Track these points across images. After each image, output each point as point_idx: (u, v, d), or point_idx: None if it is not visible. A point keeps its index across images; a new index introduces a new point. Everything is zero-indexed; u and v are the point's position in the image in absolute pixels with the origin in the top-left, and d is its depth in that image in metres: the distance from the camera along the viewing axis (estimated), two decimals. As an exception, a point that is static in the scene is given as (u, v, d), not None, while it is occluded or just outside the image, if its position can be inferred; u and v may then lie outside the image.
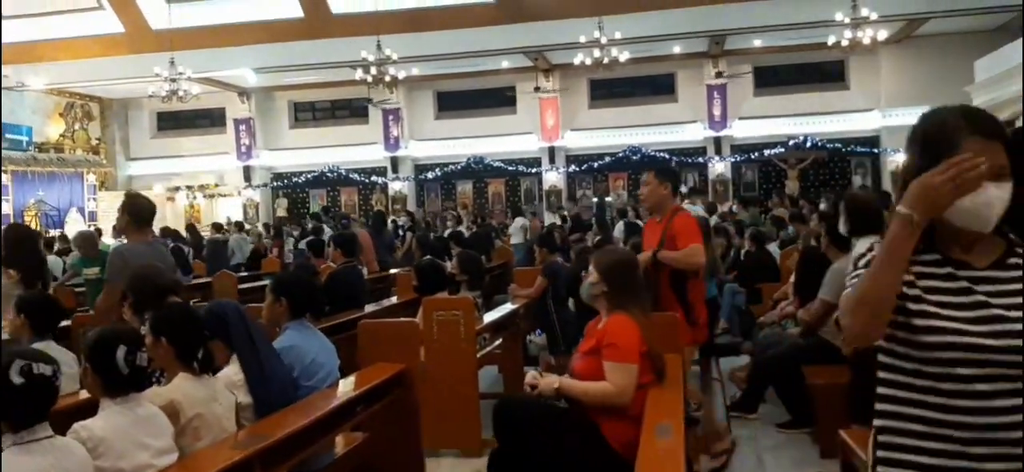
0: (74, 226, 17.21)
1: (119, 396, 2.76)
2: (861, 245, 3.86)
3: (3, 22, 18.14)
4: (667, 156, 19.49)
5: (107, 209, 20.54)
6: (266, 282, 8.94)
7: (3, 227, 5.96)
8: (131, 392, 2.78)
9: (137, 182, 22.73)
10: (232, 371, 3.44)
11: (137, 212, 5.38)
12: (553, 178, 20.66)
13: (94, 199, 20.70)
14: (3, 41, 17.41)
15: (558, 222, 15.09)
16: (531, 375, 3.85)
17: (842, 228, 4.82)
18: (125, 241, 5.69)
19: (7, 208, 18.79)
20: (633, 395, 3.51)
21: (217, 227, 16.22)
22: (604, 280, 3.76)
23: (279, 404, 3.47)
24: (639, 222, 12.33)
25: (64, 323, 4.93)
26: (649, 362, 3.61)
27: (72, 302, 8.03)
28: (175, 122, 22.55)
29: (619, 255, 4.00)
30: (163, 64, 15.85)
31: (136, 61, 17.44)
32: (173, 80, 15.95)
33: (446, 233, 13.42)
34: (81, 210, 19.99)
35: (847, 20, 14.33)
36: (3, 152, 19.05)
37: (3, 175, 18.86)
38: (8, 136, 19.33)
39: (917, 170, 1.71)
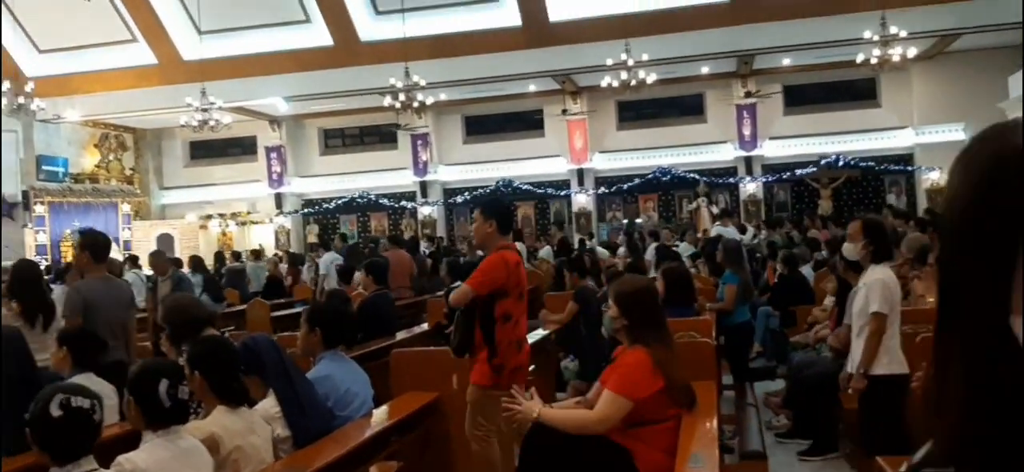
0: (114, 254, 17.42)
1: (161, 428, 2.78)
2: (874, 273, 3.78)
3: (41, 56, 18.66)
4: (697, 177, 19.40)
5: (141, 238, 20.84)
6: (298, 310, 9.03)
7: (13, 262, 6.10)
8: (173, 425, 2.81)
9: (170, 211, 23.03)
10: (269, 404, 3.46)
11: (95, 248, 5.54)
12: (582, 200, 20.63)
13: (129, 228, 20.99)
14: (40, 75, 17.87)
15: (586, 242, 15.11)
16: (507, 399, 3.76)
17: (855, 253, 4.72)
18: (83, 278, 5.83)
19: (44, 239, 19.13)
20: (614, 426, 3.47)
21: (235, 255, 16.32)
22: (623, 313, 3.71)
23: (316, 435, 3.48)
24: (673, 246, 12.30)
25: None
26: (670, 396, 3.56)
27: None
28: (207, 151, 22.84)
29: (637, 285, 3.91)
30: (195, 94, 16.08)
31: (169, 92, 17.72)
32: (205, 110, 16.16)
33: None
34: (116, 240, 20.26)
35: (876, 38, 14.21)
36: (40, 183, 19.44)
37: (40, 206, 19.23)
38: (45, 167, 19.72)
39: (975, 212, 1.17)
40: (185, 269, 10.80)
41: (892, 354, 4.45)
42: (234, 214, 22.75)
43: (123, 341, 5.37)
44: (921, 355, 4.53)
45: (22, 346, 3.91)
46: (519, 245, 9.42)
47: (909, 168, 19.35)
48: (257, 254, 16.49)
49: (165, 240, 21.04)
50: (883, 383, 4.42)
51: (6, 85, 15.80)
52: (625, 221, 20.39)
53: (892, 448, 3.58)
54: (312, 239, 21.58)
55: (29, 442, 2.49)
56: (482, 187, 21.19)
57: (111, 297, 5.48)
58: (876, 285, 4.42)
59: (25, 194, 19.18)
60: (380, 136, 22.23)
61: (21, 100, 15.72)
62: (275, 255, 16.84)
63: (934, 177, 18.35)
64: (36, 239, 19.09)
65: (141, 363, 2.96)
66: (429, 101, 16.41)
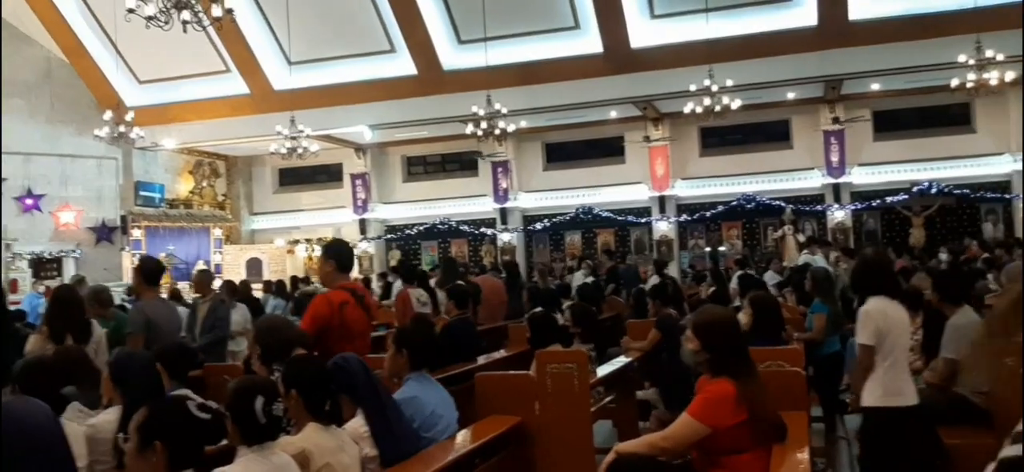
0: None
1: (255, 444, 2.85)
2: (868, 304, 3.76)
3: (141, 87, 19.52)
4: (783, 204, 18.99)
5: (231, 262, 21.50)
6: (382, 333, 9.15)
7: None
8: (266, 441, 2.88)
9: (259, 236, 23.69)
10: (358, 423, 3.51)
11: (147, 273, 5.97)
12: (664, 228, 20.42)
13: (219, 252, 21.68)
14: (140, 104, 18.67)
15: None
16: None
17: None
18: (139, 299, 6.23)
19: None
20: (683, 449, 3.48)
21: (305, 280, 16.59)
22: (703, 345, 3.66)
23: (403, 455, 3.52)
24: (755, 275, 12.07)
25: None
26: (755, 430, 3.48)
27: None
28: (295, 178, 23.45)
29: (716, 316, 3.82)
30: (285, 123, 16.56)
31: (260, 121, 18.29)
32: (293, 138, 16.61)
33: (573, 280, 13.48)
34: (207, 263, 20.94)
35: (971, 62, 13.74)
36: (137, 208, 20.27)
37: (137, 230, 20.04)
38: (142, 193, 20.56)
39: None
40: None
41: (886, 386, 4.41)
42: (320, 239, 23.25)
43: None
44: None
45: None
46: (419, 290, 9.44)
47: (1006, 196, 18.58)
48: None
49: (254, 264, 21.68)
50: (874, 415, 4.43)
51: (107, 114, 16.55)
52: (708, 249, 20.10)
53: None
54: (393, 264, 21.88)
55: (145, 436, 2.55)
56: (562, 214, 21.20)
57: (170, 318, 5.89)
58: (861, 316, 4.50)
59: (124, 219, 20.02)
60: (461, 163, 22.48)
61: (122, 129, 16.43)
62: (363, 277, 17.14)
63: (1035, 205, 17.59)
64: (133, 262, 19.86)
65: (238, 381, 3.04)
66: (510, 129, 16.53)
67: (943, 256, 13.99)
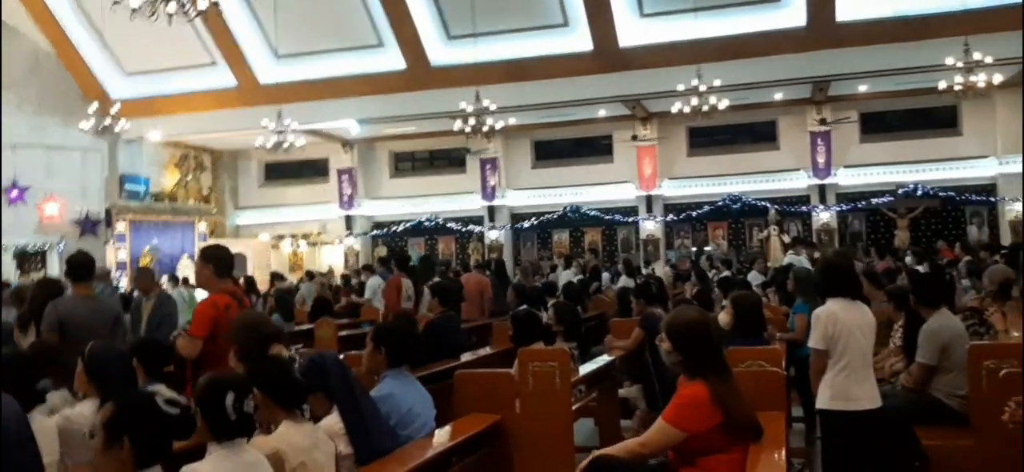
0: (186, 272, 17.95)
1: (226, 441, 2.82)
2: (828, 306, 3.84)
3: (127, 79, 19.39)
4: (768, 205, 19.05)
5: (216, 256, 21.36)
6: (365, 330, 9.12)
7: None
8: (237, 437, 2.84)
9: (244, 231, 23.59)
10: (333, 421, 3.49)
11: (76, 268, 5.84)
12: (650, 227, 20.45)
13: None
14: (126, 97, 18.55)
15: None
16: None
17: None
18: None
19: (124, 255, 19.79)
20: (658, 454, 3.51)
21: (280, 276, 16.50)
22: (675, 346, 3.64)
23: (379, 453, 3.49)
24: (732, 277, 12.09)
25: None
26: (730, 432, 3.47)
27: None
28: (281, 173, 23.36)
29: (689, 318, 3.76)
30: (271, 116, 16.48)
31: (246, 114, 18.19)
32: (280, 132, 16.53)
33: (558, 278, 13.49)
34: (191, 257, 20.84)
35: (959, 64, 13.79)
36: (122, 201, 20.15)
37: (121, 223, 19.93)
38: (127, 186, 20.44)
39: None
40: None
41: (835, 389, 4.46)
42: (305, 235, 23.18)
43: None
44: (1007, 392, 4.36)
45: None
46: (408, 281, 9.44)
47: (992, 199, 18.68)
48: (310, 275, 16.70)
49: (238, 259, 21.54)
50: (825, 417, 4.53)
51: (93, 106, 16.43)
52: (694, 249, 20.13)
53: None
54: (366, 263, 21.80)
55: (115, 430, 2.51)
56: (550, 212, 21.19)
57: (92, 315, 5.67)
58: (813, 319, 4.57)
59: (108, 212, 19.90)
60: (449, 160, 22.43)
61: (107, 121, 16.31)
62: (320, 276, 16.95)
63: (1018, 209, 17.69)
64: (117, 255, 19.76)
65: (208, 376, 3.00)
66: (499, 126, 16.50)
67: (908, 259, 13.98)
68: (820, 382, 4.52)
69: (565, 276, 13.55)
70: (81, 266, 5.88)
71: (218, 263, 5.03)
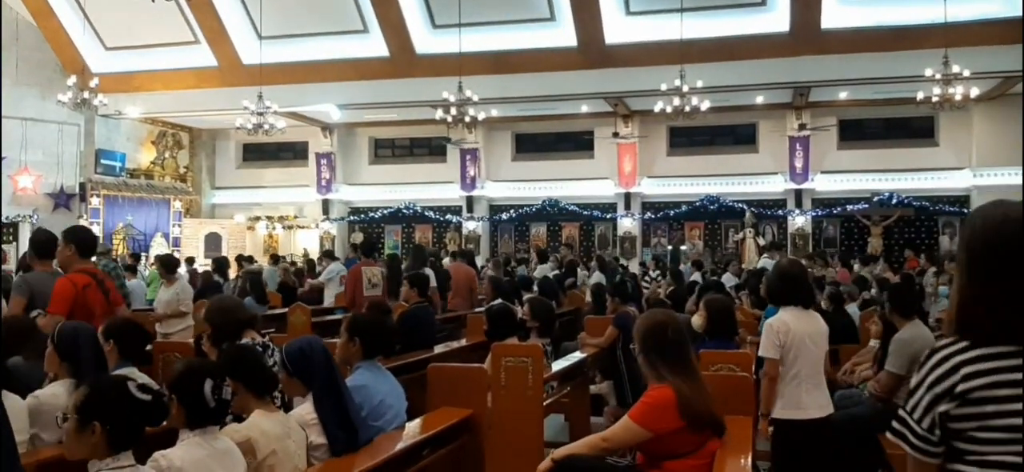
0: (158, 250, 17.80)
1: (199, 428, 2.82)
2: (780, 315, 3.95)
3: (107, 53, 19.17)
4: (745, 207, 19.20)
5: (190, 236, 21.25)
6: (338, 317, 9.09)
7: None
8: (210, 424, 2.85)
9: (220, 211, 23.42)
10: (305, 410, 3.49)
11: (38, 246, 5.87)
12: (628, 224, 20.53)
13: (178, 225, 21.41)
14: (105, 71, 18.35)
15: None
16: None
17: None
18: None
19: (98, 230, 19.60)
20: (624, 448, 3.56)
21: (248, 259, 16.30)
22: (641, 350, 3.69)
23: (352, 445, 3.50)
24: (716, 279, 12.14)
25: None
26: (693, 434, 3.52)
27: (152, 328, 8.24)
28: (259, 154, 23.21)
29: (653, 321, 3.79)
30: (252, 98, 16.36)
31: (226, 94, 18.07)
32: (260, 113, 16.42)
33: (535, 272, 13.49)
34: (166, 236, 20.69)
35: (938, 76, 13.94)
36: (97, 176, 19.95)
37: (96, 198, 19.72)
38: (103, 161, 20.23)
39: (970, 278, 1.72)
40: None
41: (786, 398, 4.55)
42: (281, 217, 23.05)
43: None
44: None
45: None
46: (374, 269, 9.41)
47: (965, 210, 18.91)
48: (276, 259, 16.55)
49: (212, 239, 21.45)
50: (776, 426, 4.61)
51: (72, 80, 16.25)
52: (669, 247, 20.24)
53: None
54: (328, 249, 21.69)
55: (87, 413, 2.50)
56: (528, 205, 21.22)
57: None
58: (764, 329, 4.64)
59: (83, 186, 19.70)
60: (429, 149, 22.39)
61: (86, 95, 16.13)
62: (284, 260, 16.79)
63: (991, 221, 17.89)
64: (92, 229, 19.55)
65: (186, 362, 3.01)
66: (480, 117, 16.50)
67: (877, 268, 14.16)
68: (772, 390, 4.57)
69: (541, 271, 13.55)
70: (45, 244, 5.89)
71: (79, 244, 5.20)
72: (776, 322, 4.59)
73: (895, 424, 1.84)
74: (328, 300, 11.69)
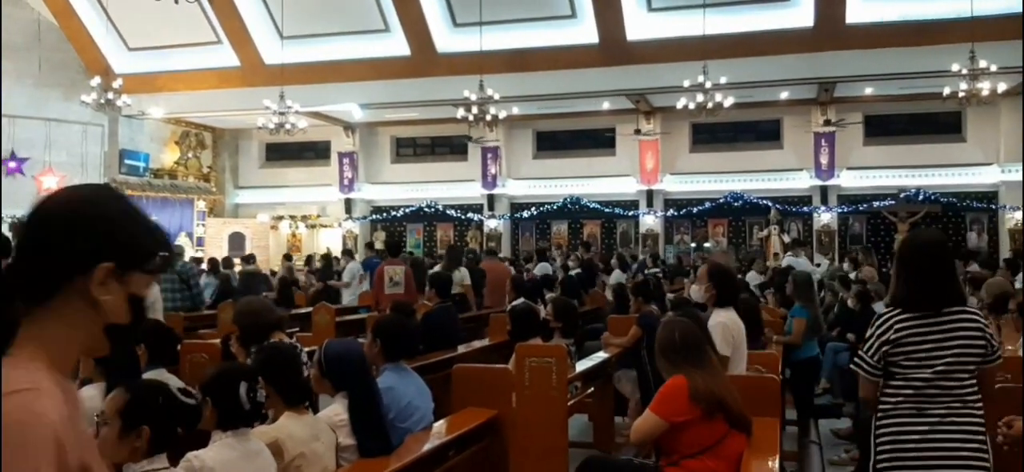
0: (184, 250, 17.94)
1: (231, 429, 2.84)
2: (717, 316, 4.64)
3: (130, 54, 19.33)
4: (770, 203, 19.05)
5: (214, 235, 21.38)
6: (362, 316, 9.13)
7: None
8: (243, 426, 2.86)
9: (243, 210, 23.57)
10: (335, 411, 3.49)
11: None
12: (650, 222, 20.44)
13: (202, 225, 21.56)
14: (129, 72, 18.51)
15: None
16: None
17: (700, 296, 5.18)
18: None
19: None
20: (642, 441, 3.73)
21: (248, 259, 16.16)
22: (659, 360, 3.89)
23: (382, 447, 3.51)
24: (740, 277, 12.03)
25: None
26: (709, 426, 3.59)
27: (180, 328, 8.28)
28: (282, 154, 23.32)
29: (665, 330, 3.99)
30: (274, 98, 16.44)
31: (249, 94, 18.14)
32: (282, 113, 16.49)
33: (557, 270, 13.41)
34: (189, 235, 20.82)
35: (964, 71, 13.76)
36: (122, 177, 20.12)
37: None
38: (127, 162, 20.40)
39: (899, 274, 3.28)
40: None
41: None
42: (304, 217, 23.16)
43: None
44: (1001, 405, 4.36)
45: None
46: (397, 268, 9.44)
47: (993, 206, 18.70)
48: (288, 257, 16.55)
49: (236, 239, 21.58)
50: None
51: (95, 80, 16.40)
52: (693, 244, 20.14)
53: None
54: (379, 245, 21.80)
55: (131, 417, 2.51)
56: (549, 203, 21.18)
57: None
58: (717, 328, 4.69)
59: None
60: (451, 147, 22.41)
61: (109, 95, 16.27)
62: (284, 259, 16.73)
63: (1019, 217, 17.69)
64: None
65: (222, 366, 3.03)
66: (501, 115, 16.48)
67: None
68: None
69: (541, 269, 13.37)
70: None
71: None
72: (727, 320, 4.78)
73: (855, 360, 3.32)
74: (346, 299, 11.73)
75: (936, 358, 3.11)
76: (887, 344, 3.15)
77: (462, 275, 10.46)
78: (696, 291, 5.26)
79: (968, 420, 3.14)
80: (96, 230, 1.24)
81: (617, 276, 13.01)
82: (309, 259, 18.24)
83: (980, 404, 3.19)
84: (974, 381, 3.18)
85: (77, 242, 1.21)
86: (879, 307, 9.01)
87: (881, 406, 3.22)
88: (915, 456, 3.12)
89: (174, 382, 3.08)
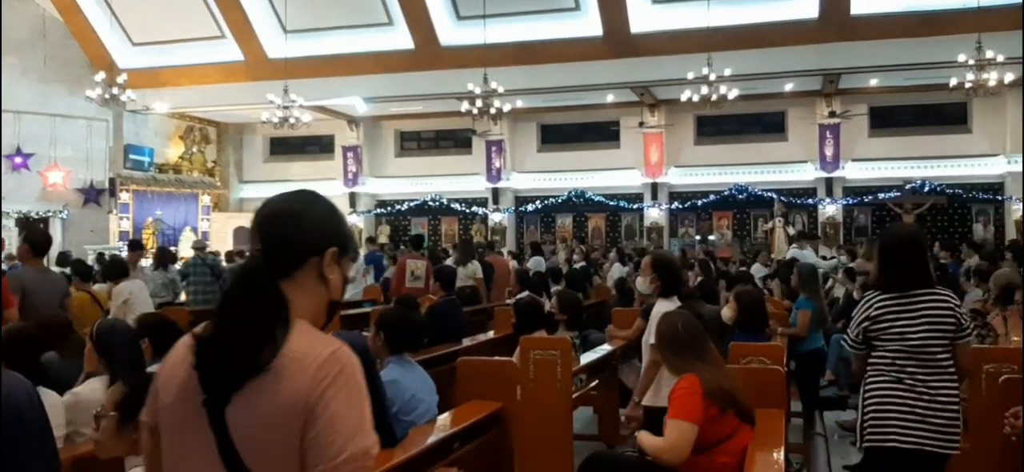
0: (188, 244, 17.96)
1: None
2: (659, 307, 4.64)
3: (134, 49, 19.35)
4: (774, 196, 18.99)
5: (219, 230, 21.41)
6: (366, 310, 9.13)
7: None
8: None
9: (248, 204, 23.55)
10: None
11: (35, 243, 6.30)
12: (655, 215, 20.40)
13: (207, 219, 21.59)
14: (133, 67, 18.53)
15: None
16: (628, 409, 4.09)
17: (645, 287, 5.12)
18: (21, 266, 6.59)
19: (127, 225, 19.83)
20: (685, 453, 3.51)
21: (239, 254, 16.15)
22: (661, 352, 3.88)
23: (386, 441, 3.50)
24: (746, 271, 12.02)
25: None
26: (722, 422, 3.57)
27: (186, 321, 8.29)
28: (286, 148, 23.33)
29: (667, 321, 3.97)
30: (278, 92, 16.44)
31: (253, 88, 18.16)
32: (286, 107, 16.50)
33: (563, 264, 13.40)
34: (194, 229, 20.86)
35: (971, 62, 13.69)
36: (126, 172, 20.16)
37: (125, 193, 19.94)
38: (132, 157, 20.44)
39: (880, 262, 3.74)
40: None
41: (668, 386, 4.62)
42: (309, 210, 23.11)
43: None
44: (1006, 396, 4.35)
45: None
46: (418, 262, 9.52)
47: (999, 198, 18.63)
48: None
49: (241, 233, 21.59)
50: (655, 413, 4.59)
51: (100, 76, 16.41)
52: (697, 237, 20.10)
53: None
54: (383, 239, 21.80)
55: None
56: (554, 196, 21.16)
57: (47, 286, 6.13)
58: (656, 316, 4.70)
59: (112, 181, 19.91)
60: (455, 141, 22.39)
61: (114, 91, 16.29)
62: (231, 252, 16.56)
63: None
64: (120, 225, 19.80)
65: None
66: (506, 108, 16.45)
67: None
68: (653, 376, 4.67)
69: (534, 263, 13.33)
70: (40, 244, 6.35)
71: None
72: (664, 311, 4.72)
73: (843, 338, 4.00)
74: (350, 293, 11.75)
75: (908, 332, 3.54)
76: (867, 321, 3.62)
77: (474, 268, 10.52)
78: (640, 282, 5.25)
79: (941, 388, 3.52)
80: (325, 224, 1.62)
81: (618, 270, 12.99)
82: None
83: (953, 374, 3.58)
84: (947, 354, 3.55)
85: (311, 233, 1.58)
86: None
87: (867, 375, 3.66)
88: (895, 417, 3.52)
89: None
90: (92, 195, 19.79)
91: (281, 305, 1.49)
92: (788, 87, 18.31)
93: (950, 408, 3.52)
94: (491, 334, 7.92)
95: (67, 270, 10.96)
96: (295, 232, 1.57)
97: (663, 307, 4.78)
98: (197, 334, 1.52)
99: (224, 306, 1.54)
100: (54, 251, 12.79)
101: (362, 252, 14.87)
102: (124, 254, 16.55)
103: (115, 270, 8.35)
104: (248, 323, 1.46)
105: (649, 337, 4.72)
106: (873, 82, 18.01)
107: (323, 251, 1.57)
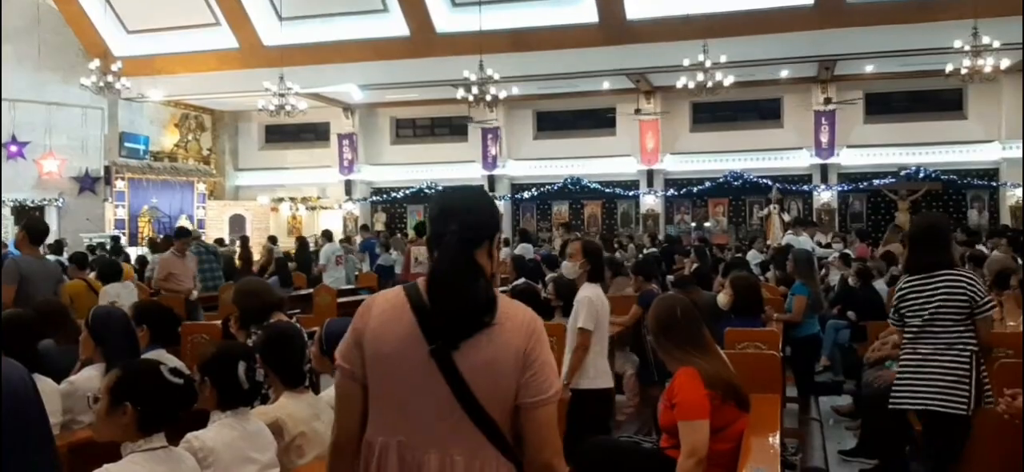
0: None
1: (231, 409, 2.84)
2: (584, 291, 4.89)
3: (129, 36, 19.27)
4: (770, 182, 19.01)
5: (214, 218, 21.39)
6: (362, 297, 9.13)
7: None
8: (243, 406, 2.87)
9: (244, 192, 23.56)
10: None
11: (33, 232, 6.41)
12: (651, 202, 20.43)
13: (203, 207, 21.55)
14: (128, 55, 18.47)
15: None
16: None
17: (573, 272, 5.16)
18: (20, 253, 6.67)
19: (123, 213, 19.79)
20: (705, 449, 3.39)
21: (220, 243, 16.06)
22: (657, 338, 3.74)
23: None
24: (741, 257, 12.04)
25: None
26: (722, 410, 3.51)
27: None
28: (281, 135, 23.29)
29: (663, 305, 3.83)
30: (273, 79, 16.39)
31: (248, 76, 18.11)
32: (281, 95, 16.46)
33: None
34: (190, 218, 20.81)
35: (966, 48, 13.69)
36: (122, 159, 20.11)
37: (120, 181, 19.89)
38: (127, 144, 20.39)
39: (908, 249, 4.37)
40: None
41: (598, 369, 4.85)
42: (304, 198, 23.16)
43: None
44: (1000, 379, 4.37)
45: None
46: (422, 248, 9.62)
47: (994, 184, 18.67)
48: (273, 240, 16.40)
49: (237, 221, 21.59)
50: (588, 397, 4.76)
51: (94, 63, 16.35)
52: (693, 224, 20.13)
53: (595, 460, 3.82)
54: (379, 226, 21.82)
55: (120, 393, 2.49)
56: (550, 183, 21.17)
57: (43, 274, 6.24)
58: (584, 302, 4.83)
59: (107, 169, 19.86)
60: (451, 128, 22.37)
61: (109, 78, 16.23)
62: (234, 240, 16.53)
63: (1019, 194, 17.67)
64: (115, 213, 19.76)
65: (219, 346, 3.03)
66: (501, 95, 16.43)
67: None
68: (582, 360, 4.79)
69: (522, 249, 13.23)
70: (38, 232, 6.46)
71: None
72: (592, 294, 4.87)
73: (890, 316, 4.55)
74: (327, 281, 11.75)
75: (924, 308, 4.09)
76: (899, 299, 4.24)
77: None
78: (567, 267, 5.28)
79: (950, 356, 4.03)
80: (495, 214, 1.99)
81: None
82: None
83: (965, 348, 4.02)
84: (961, 327, 4.03)
85: (491, 220, 1.95)
86: (879, 285, 9.04)
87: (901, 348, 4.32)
88: (911, 383, 4.15)
89: (169, 362, 3.07)
90: (87, 183, 19.74)
91: (482, 273, 1.87)
92: (784, 74, 18.32)
93: (955, 372, 4.00)
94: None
95: (63, 258, 10.99)
96: (488, 218, 1.94)
97: (587, 291, 4.90)
98: (407, 293, 1.88)
99: (441, 273, 1.86)
100: (50, 239, 12.76)
101: (335, 241, 14.84)
102: (120, 242, 16.60)
103: (106, 271, 8.38)
104: (474, 288, 1.83)
105: (576, 321, 4.82)
106: (868, 68, 18.02)
107: (494, 234, 1.95)
